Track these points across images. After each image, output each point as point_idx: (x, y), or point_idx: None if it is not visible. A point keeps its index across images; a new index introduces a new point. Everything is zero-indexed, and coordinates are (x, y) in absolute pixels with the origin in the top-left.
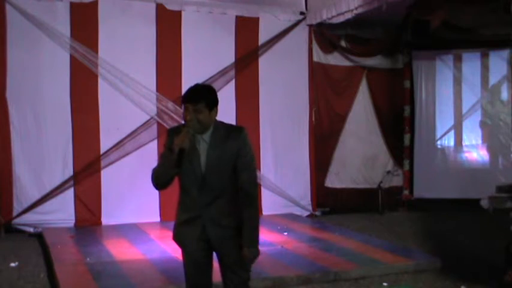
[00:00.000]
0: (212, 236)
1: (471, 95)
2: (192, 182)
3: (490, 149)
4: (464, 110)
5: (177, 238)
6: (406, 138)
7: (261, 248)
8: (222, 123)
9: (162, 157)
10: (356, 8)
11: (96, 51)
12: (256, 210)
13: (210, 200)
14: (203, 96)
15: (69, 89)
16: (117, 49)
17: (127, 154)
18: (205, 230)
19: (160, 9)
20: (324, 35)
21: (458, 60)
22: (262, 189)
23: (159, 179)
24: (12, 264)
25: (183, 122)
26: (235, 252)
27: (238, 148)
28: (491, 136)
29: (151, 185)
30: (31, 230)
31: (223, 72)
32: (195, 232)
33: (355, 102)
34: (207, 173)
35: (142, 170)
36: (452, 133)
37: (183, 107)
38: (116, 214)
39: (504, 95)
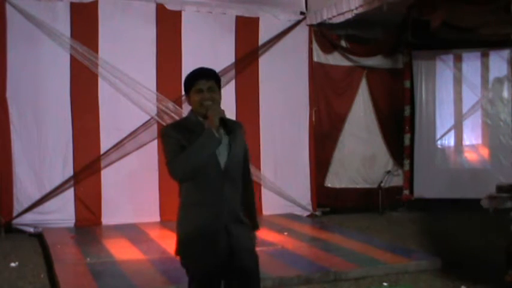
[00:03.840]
0: (234, 233)
1: (471, 95)
2: (212, 173)
3: (490, 149)
4: (464, 110)
5: (193, 245)
6: (406, 138)
7: (261, 248)
8: None
9: (169, 148)
10: (356, 8)
11: (96, 51)
12: (255, 197)
13: (232, 193)
14: (213, 73)
15: (69, 89)
16: (117, 49)
17: (127, 154)
18: (227, 228)
19: (160, 9)
20: (324, 35)
21: (458, 60)
22: (262, 189)
23: (191, 167)
24: (12, 264)
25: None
26: (252, 253)
27: (244, 140)
28: (491, 136)
29: (151, 185)
30: (31, 230)
31: (223, 72)
32: (219, 231)
33: (355, 102)
34: (228, 162)
35: (142, 170)
36: (452, 133)
37: (184, 93)
38: (116, 214)
39: (504, 94)
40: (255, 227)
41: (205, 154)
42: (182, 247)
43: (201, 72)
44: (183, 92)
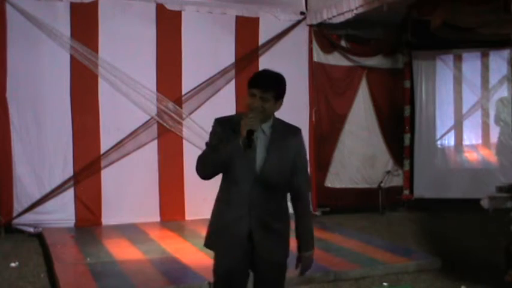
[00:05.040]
0: (258, 241)
1: (471, 95)
2: (245, 175)
3: (490, 149)
4: (464, 110)
5: (216, 243)
6: (406, 138)
7: None
8: (279, 119)
9: (210, 145)
10: (356, 8)
11: (96, 51)
12: (311, 212)
13: (262, 198)
14: (274, 85)
15: (69, 89)
16: (117, 49)
17: (127, 154)
18: (252, 233)
19: (160, 9)
20: (324, 35)
21: (458, 60)
22: None
23: (210, 167)
24: (12, 264)
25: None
26: (277, 266)
27: (297, 147)
28: (491, 136)
29: (151, 184)
30: (31, 230)
31: (223, 72)
32: (240, 234)
33: (355, 102)
34: (264, 167)
35: (142, 170)
36: (452, 133)
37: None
38: (116, 214)
39: (504, 94)
40: (305, 248)
41: (224, 160)
42: (208, 241)
43: (260, 81)
44: (183, 92)
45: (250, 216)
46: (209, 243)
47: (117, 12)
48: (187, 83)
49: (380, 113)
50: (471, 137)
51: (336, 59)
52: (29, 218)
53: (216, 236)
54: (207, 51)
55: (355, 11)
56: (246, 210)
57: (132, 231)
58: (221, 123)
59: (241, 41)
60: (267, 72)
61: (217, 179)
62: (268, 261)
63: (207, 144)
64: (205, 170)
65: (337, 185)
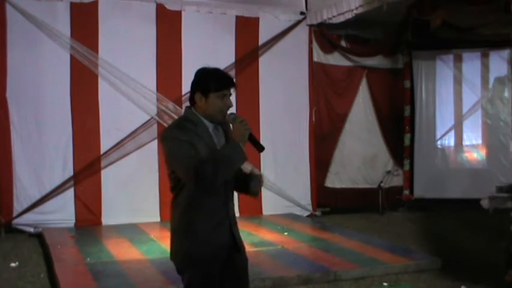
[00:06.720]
0: (237, 237)
1: (471, 95)
2: None
3: (490, 149)
4: (464, 110)
5: (194, 257)
6: (406, 138)
7: (261, 248)
8: None
9: (182, 153)
10: (356, 8)
11: (96, 51)
12: None
13: (231, 197)
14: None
15: (69, 89)
16: (117, 49)
17: (127, 154)
18: (232, 232)
19: (160, 9)
20: (324, 35)
21: (458, 60)
22: (263, 189)
23: (222, 176)
24: (12, 264)
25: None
26: (242, 255)
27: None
28: (491, 136)
29: (151, 185)
30: (31, 230)
31: None
32: (224, 240)
33: (355, 102)
34: None
35: (142, 170)
36: (452, 133)
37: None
38: (116, 214)
39: (504, 94)
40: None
41: (234, 169)
42: (189, 257)
43: (230, 79)
44: (183, 92)
45: (229, 216)
46: (191, 257)
47: (117, 12)
48: (187, 83)
49: (380, 113)
50: (471, 137)
51: (336, 59)
52: (29, 218)
53: (195, 251)
54: (207, 51)
55: (355, 11)
56: (226, 212)
57: (132, 231)
58: (181, 130)
59: (241, 41)
60: (220, 70)
61: None
62: (243, 254)
63: (179, 155)
64: (216, 183)
65: (337, 185)
